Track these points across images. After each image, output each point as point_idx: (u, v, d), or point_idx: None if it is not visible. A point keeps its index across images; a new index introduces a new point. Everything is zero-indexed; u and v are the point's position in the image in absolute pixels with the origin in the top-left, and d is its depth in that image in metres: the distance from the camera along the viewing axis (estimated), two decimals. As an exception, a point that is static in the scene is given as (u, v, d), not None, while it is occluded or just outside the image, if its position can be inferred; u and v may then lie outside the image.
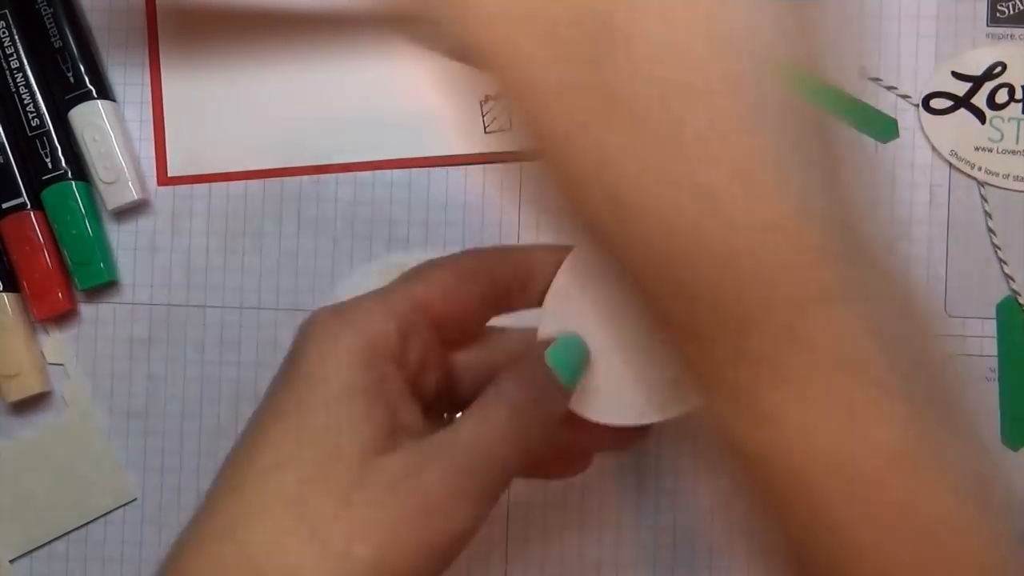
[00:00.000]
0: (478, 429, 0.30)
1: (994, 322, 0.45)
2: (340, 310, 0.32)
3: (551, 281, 0.34)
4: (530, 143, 0.24)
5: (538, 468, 0.36)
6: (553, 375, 0.32)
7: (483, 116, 0.46)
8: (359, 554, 0.28)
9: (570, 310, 0.35)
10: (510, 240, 0.46)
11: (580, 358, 0.34)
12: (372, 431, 0.29)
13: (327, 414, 0.29)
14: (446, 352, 0.34)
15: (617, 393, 0.35)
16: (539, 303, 0.35)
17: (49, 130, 0.46)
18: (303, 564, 0.27)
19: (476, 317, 0.34)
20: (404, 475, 0.29)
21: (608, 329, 0.34)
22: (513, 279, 0.34)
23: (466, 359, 0.35)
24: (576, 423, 0.34)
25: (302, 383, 0.30)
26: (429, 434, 0.31)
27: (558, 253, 0.34)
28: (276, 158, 0.46)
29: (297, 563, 0.27)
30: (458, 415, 0.32)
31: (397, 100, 0.46)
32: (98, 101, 0.46)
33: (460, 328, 0.34)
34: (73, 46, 0.46)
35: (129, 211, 0.47)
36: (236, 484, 0.30)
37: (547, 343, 0.33)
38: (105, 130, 0.46)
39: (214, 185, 0.47)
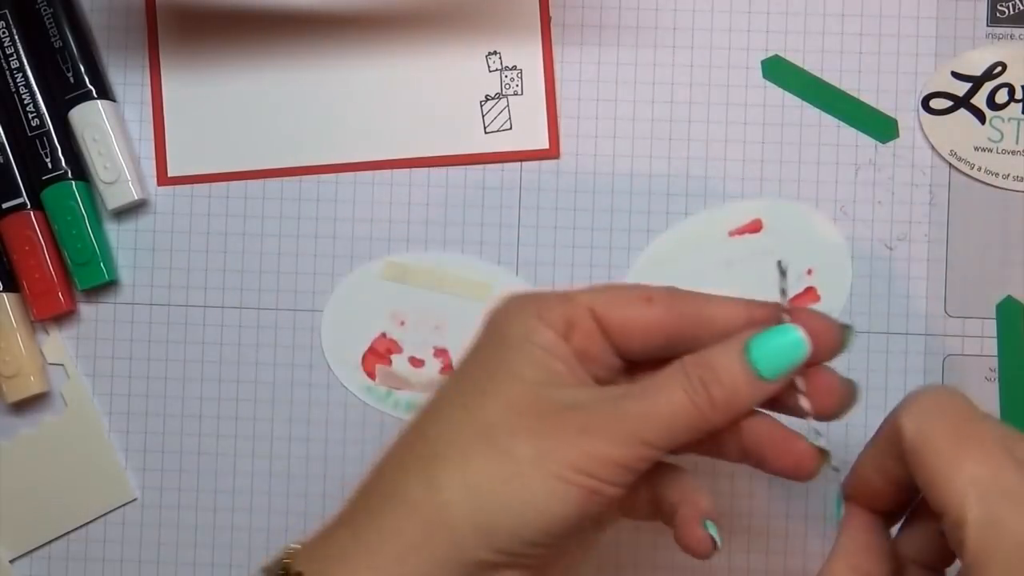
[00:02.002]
0: (646, 388, 0.33)
1: (994, 322, 0.45)
2: (531, 293, 0.35)
3: (731, 333, 0.34)
4: None
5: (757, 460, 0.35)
6: (747, 364, 0.32)
7: (483, 116, 0.46)
8: (522, 452, 0.32)
9: None
10: (509, 241, 0.46)
11: (787, 349, 0.33)
12: (548, 375, 0.33)
13: (511, 366, 0.33)
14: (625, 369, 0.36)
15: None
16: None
17: (49, 130, 0.46)
18: (472, 462, 0.32)
19: (651, 340, 0.35)
20: (572, 403, 0.33)
21: None
22: (695, 317, 0.34)
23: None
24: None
25: (488, 354, 0.34)
26: None
27: (748, 309, 0.34)
28: (276, 158, 0.47)
29: (468, 462, 0.32)
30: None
31: (397, 100, 0.46)
32: (98, 101, 0.46)
33: (635, 347, 0.35)
34: (73, 46, 0.46)
35: (129, 211, 0.47)
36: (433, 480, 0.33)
37: (752, 332, 0.33)
38: (105, 130, 0.46)
39: (214, 185, 0.47)
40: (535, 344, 0.33)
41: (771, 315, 0.34)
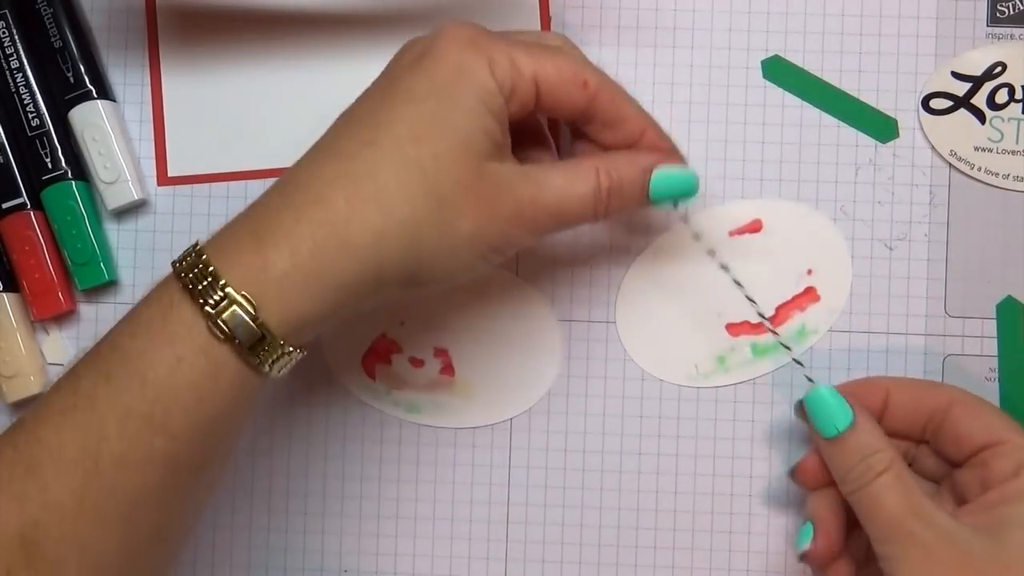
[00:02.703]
0: (564, 185, 0.37)
1: (994, 322, 0.45)
2: (475, 37, 0.36)
3: (632, 140, 0.40)
4: None
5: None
6: (647, 187, 0.39)
7: (483, 116, 0.46)
8: (465, 229, 0.35)
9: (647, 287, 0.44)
10: (510, 240, 0.46)
11: (682, 187, 0.40)
12: (492, 143, 0.36)
13: (462, 117, 0.35)
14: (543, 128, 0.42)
15: (673, 352, 0.45)
16: (625, 141, 0.40)
17: (49, 130, 0.46)
18: (421, 224, 0.34)
19: (567, 117, 0.39)
20: (507, 185, 0.36)
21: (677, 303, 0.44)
22: (613, 115, 0.39)
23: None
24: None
25: (440, 84, 0.35)
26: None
27: (652, 127, 0.40)
28: (276, 158, 0.46)
29: (418, 222, 0.34)
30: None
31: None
32: (98, 101, 0.46)
33: (554, 111, 0.39)
34: (73, 46, 0.46)
35: (129, 211, 0.47)
36: (372, 140, 0.35)
37: (661, 163, 0.39)
38: (105, 130, 0.46)
39: (214, 185, 0.47)
40: (487, 107, 0.36)
41: (668, 144, 0.40)
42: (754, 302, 0.42)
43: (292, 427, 0.46)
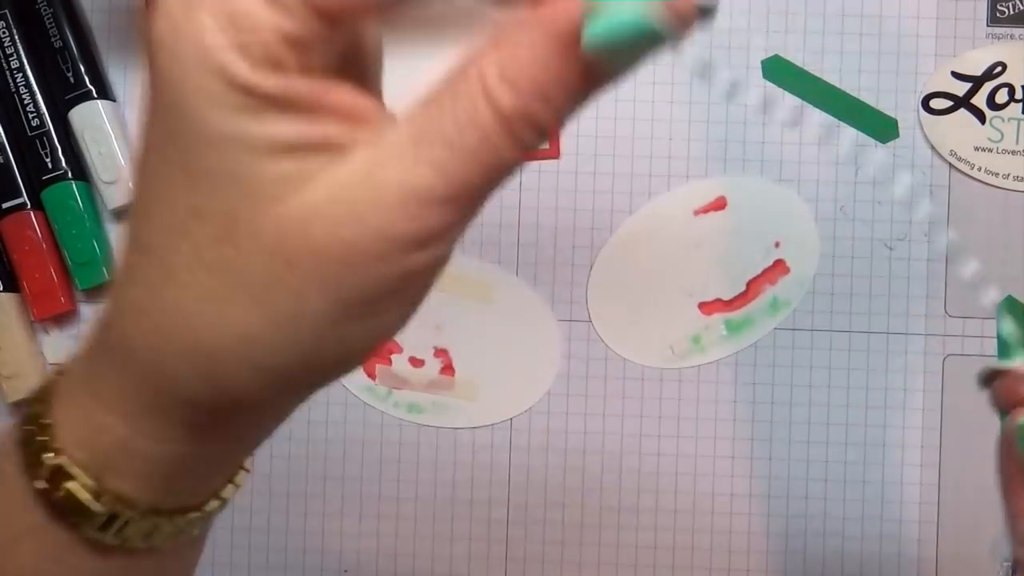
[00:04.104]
0: (441, 132, 0.21)
1: (994, 322, 0.45)
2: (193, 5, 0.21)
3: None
4: None
5: None
6: (583, 45, 0.20)
7: (483, 116, 0.46)
8: (306, 314, 0.22)
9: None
10: (509, 241, 0.46)
11: (632, 27, 0.20)
12: (279, 163, 0.21)
13: (212, 156, 0.22)
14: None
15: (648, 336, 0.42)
16: None
17: (49, 130, 0.46)
18: (249, 327, 0.23)
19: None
20: (332, 218, 0.21)
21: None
22: None
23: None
24: None
25: (169, 116, 0.22)
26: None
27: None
28: (276, 158, 0.46)
29: (244, 328, 0.23)
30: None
31: (397, 100, 0.46)
32: (98, 101, 0.46)
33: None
34: (73, 46, 0.46)
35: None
36: (145, 246, 0.23)
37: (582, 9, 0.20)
38: (105, 130, 0.46)
39: (214, 185, 0.47)
40: (249, 165, 0.21)
41: None
42: None
43: (292, 427, 0.46)
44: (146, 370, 0.24)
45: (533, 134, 0.21)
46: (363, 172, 0.21)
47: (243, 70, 0.21)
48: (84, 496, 0.25)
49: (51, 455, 0.25)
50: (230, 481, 0.28)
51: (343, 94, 0.23)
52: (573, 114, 0.22)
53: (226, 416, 0.25)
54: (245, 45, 0.20)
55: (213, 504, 0.27)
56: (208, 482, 0.27)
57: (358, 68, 0.26)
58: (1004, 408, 0.31)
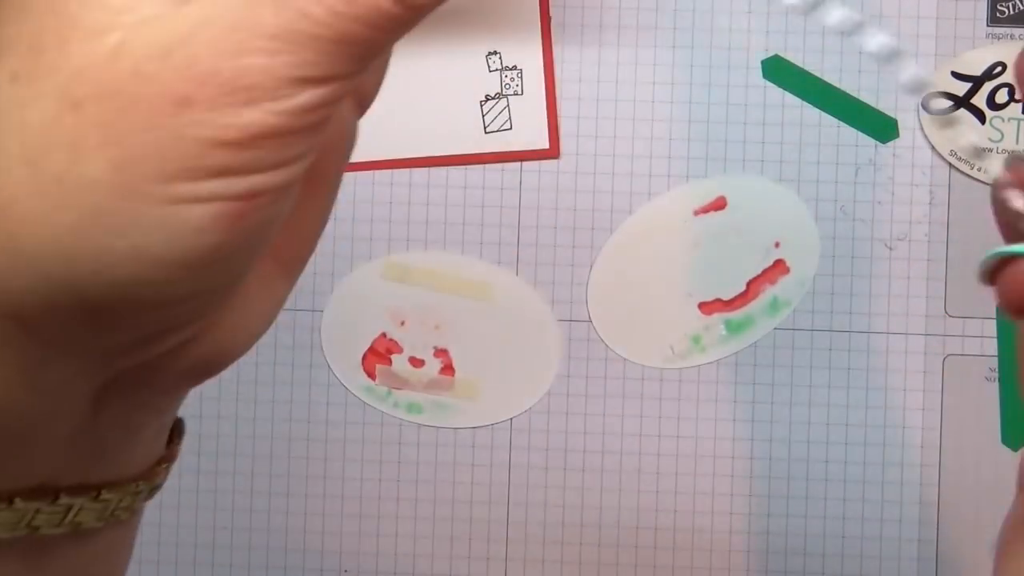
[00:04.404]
0: (208, 9, 0.18)
1: (994, 322, 0.45)
2: None
3: None
4: None
5: None
6: None
7: (483, 116, 0.46)
8: (89, 175, 0.17)
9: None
10: (509, 241, 0.46)
11: None
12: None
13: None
14: None
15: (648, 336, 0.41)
16: None
17: (49, 130, 0.46)
18: (8, 197, 0.18)
19: None
20: (150, 54, 0.17)
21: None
22: None
23: None
24: None
25: None
26: None
27: None
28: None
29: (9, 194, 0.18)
30: None
31: (397, 100, 0.46)
32: (98, 101, 0.46)
33: None
34: (73, 46, 0.46)
35: (129, 211, 0.47)
36: None
37: None
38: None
39: (214, 185, 0.47)
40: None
41: None
42: None
43: (292, 427, 0.46)
44: None
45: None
46: (194, 12, 0.18)
47: None
48: None
49: None
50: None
51: None
52: None
53: (26, 341, 0.19)
54: None
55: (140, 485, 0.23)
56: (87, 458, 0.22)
57: None
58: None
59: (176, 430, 0.25)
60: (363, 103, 0.24)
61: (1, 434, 0.20)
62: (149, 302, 0.19)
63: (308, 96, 0.18)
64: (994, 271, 0.23)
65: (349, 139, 0.24)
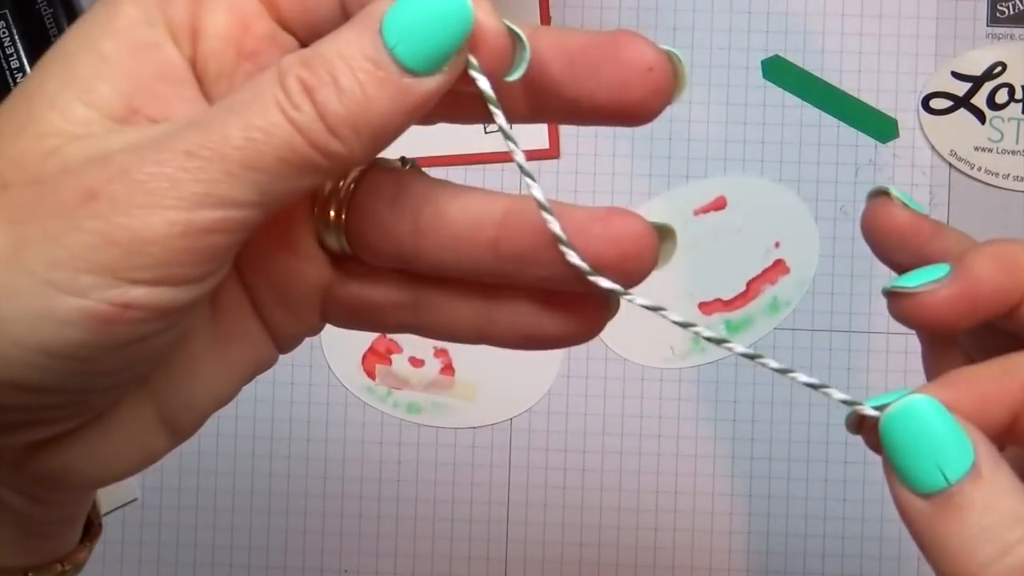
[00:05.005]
0: (231, 115, 0.19)
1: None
2: None
3: None
4: None
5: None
6: (383, 50, 0.20)
7: (483, 116, 0.46)
8: (24, 263, 0.19)
9: None
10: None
11: (445, 23, 0.20)
12: (89, 111, 0.20)
13: (41, 83, 0.21)
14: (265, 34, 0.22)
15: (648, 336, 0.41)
16: None
17: (49, 130, 0.46)
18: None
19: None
20: (100, 169, 0.19)
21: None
22: None
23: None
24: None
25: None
26: None
27: None
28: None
29: None
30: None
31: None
32: (98, 101, 0.46)
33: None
34: (73, 46, 0.46)
35: (129, 211, 0.47)
36: None
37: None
38: (105, 130, 0.46)
39: (214, 185, 0.47)
40: (86, 73, 0.20)
41: None
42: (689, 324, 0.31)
43: (292, 427, 0.46)
44: None
45: (316, 115, 0.19)
46: (152, 134, 0.20)
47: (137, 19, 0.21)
48: None
49: None
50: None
51: (185, 90, 0.21)
52: (376, 129, 0.20)
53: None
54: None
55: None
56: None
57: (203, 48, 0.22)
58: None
59: (89, 531, 0.26)
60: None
61: None
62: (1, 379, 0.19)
63: (208, 214, 0.19)
64: (859, 424, 0.22)
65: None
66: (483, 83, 0.21)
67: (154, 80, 0.20)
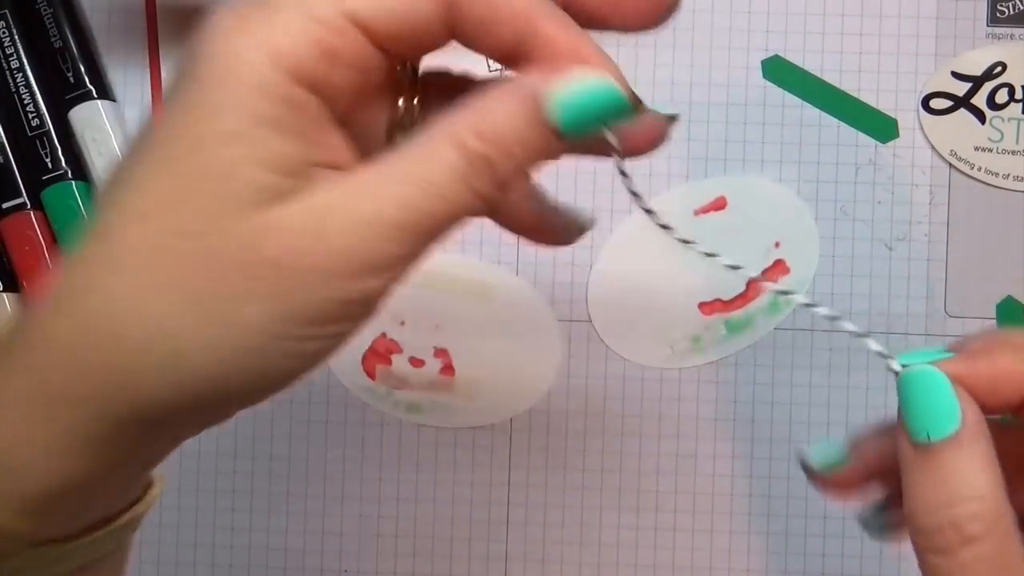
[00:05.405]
0: (408, 190, 0.23)
1: (994, 322, 0.45)
2: (247, 15, 0.23)
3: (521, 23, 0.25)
4: None
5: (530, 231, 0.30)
6: (549, 112, 0.24)
7: (483, 116, 0.46)
8: (251, 320, 0.23)
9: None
10: (509, 241, 0.46)
11: (602, 103, 0.25)
12: (273, 175, 0.23)
13: (217, 152, 0.23)
14: (391, 85, 0.26)
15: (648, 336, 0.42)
16: (511, 49, 0.25)
17: (49, 130, 0.46)
18: (181, 335, 0.23)
19: (431, 41, 0.25)
20: (301, 233, 0.23)
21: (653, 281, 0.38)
22: (485, 8, 0.24)
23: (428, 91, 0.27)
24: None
25: (190, 112, 0.23)
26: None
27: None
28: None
29: (171, 326, 0.23)
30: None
31: (397, 100, 0.46)
32: (98, 101, 0.46)
33: (410, 52, 0.25)
34: (73, 46, 0.46)
35: (129, 211, 0.47)
36: (102, 231, 0.24)
37: (558, 78, 0.24)
38: (105, 130, 0.46)
39: (214, 185, 0.47)
40: (265, 121, 0.23)
41: (570, 41, 0.25)
42: (738, 267, 0.35)
43: (292, 427, 0.46)
44: (57, 361, 0.23)
45: (492, 182, 0.24)
46: (335, 200, 0.23)
47: (273, 78, 0.23)
48: None
49: None
50: (134, 503, 0.27)
51: (335, 135, 0.24)
52: (531, 170, 0.25)
53: (133, 427, 0.24)
54: (278, 54, 0.23)
55: (111, 527, 0.26)
56: (97, 505, 0.26)
57: (367, 105, 0.26)
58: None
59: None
60: None
61: (79, 494, 0.24)
62: (240, 403, 0.25)
63: (405, 268, 0.24)
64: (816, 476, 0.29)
65: None
66: (621, 163, 0.27)
67: (312, 130, 0.24)
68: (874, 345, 0.27)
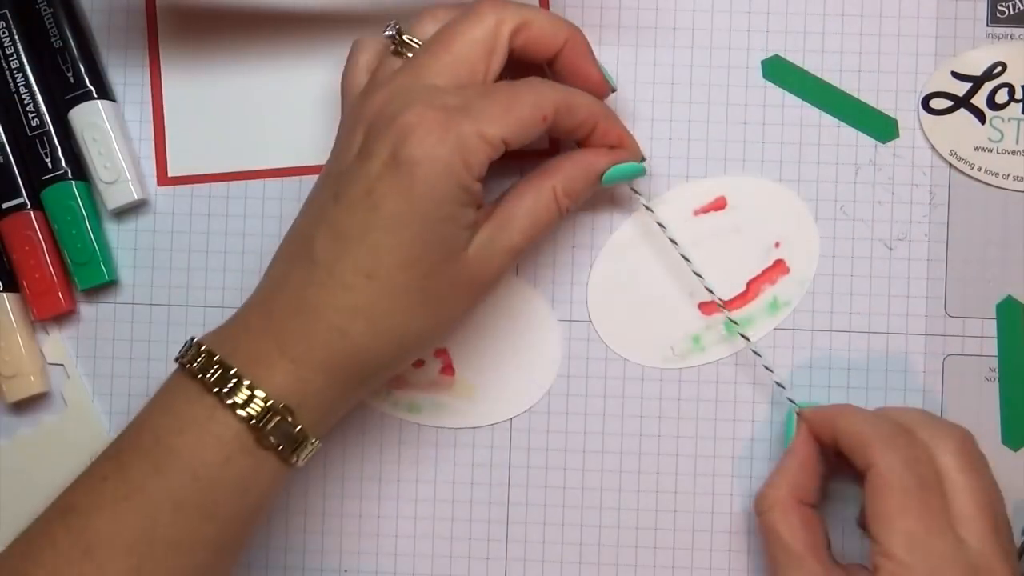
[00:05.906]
0: (530, 225, 0.40)
1: (994, 322, 0.45)
2: (443, 126, 0.37)
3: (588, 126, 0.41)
4: None
5: None
6: (602, 178, 0.42)
7: (483, 116, 0.46)
8: (456, 317, 0.40)
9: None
10: (510, 240, 0.46)
11: (631, 175, 0.43)
12: (469, 231, 0.39)
13: (444, 228, 0.38)
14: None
15: (648, 336, 0.45)
16: (582, 137, 0.42)
17: (49, 130, 0.46)
18: (423, 339, 0.40)
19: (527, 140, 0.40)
20: (487, 257, 0.40)
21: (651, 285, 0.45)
22: (569, 131, 0.41)
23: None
24: None
25: (421, 201, 0.37)
26: None
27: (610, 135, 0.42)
28: (276, 158, 0.46)
29: (419, 339, 0.40)
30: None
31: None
32: (98, 101, 0.46)
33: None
34: (73, 46, 0.46)
35: (129, 211, 0.47)
36: (372, 272, 0.37)
37: (615, 163, 0.42)
38: (105, 130, 0.46)
39: (214, 185, 0.47)
40: (466, 202, 0.38)
41: (617, 132, 0.42)
42: (700, 276, 0.44)
43: (292, 427, 0.46)
44: (354, 349, 0.38)
45: (566, 213, 0.42)
46: (488, 236, 0.39)
47: (467, 179, 0.37)
48: (288, 429, 0.38)
49: (263, 394, 0.37)
50: None
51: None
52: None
53: (375, 375, 0.39)
54: (470, 164, 0.37)
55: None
56: (338, 419, 0.41)
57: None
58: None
59: None
60: None
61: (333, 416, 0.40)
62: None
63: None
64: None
65: None
66: (654, 217, 0.44)
67: (479, 199, 0.39)
68: (787, 395, 0.43)
